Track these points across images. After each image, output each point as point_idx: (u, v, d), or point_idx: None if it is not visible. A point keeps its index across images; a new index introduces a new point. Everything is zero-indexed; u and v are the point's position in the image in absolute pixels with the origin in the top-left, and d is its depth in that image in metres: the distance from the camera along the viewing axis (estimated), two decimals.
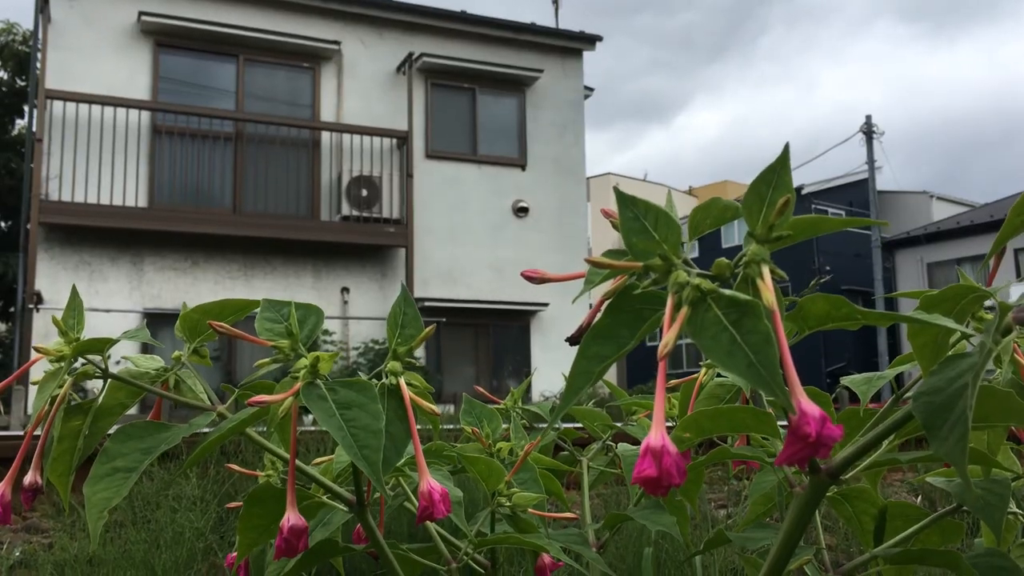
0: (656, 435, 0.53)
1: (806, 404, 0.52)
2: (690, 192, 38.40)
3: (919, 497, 3.49)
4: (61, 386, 0.79)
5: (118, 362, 0.83)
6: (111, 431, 0.90)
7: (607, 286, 0.66)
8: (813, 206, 24.79)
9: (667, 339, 0.55)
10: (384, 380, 0.77)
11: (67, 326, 0.80)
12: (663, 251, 0.58)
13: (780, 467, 1.05)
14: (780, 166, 0.57)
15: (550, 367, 12.15)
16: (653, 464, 0.52)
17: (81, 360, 0.83)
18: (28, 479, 0.78)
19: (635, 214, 0.60)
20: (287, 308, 0.79)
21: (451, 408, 7.92)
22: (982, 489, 0.96)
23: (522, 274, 0.71)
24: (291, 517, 0.74)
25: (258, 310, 0.79)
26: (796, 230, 0.57)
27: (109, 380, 0.83)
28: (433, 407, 0.77)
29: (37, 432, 0.86)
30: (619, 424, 1.46)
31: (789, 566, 0.97)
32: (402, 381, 0.77)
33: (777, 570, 0.81)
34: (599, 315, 0.62)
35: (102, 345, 0.79)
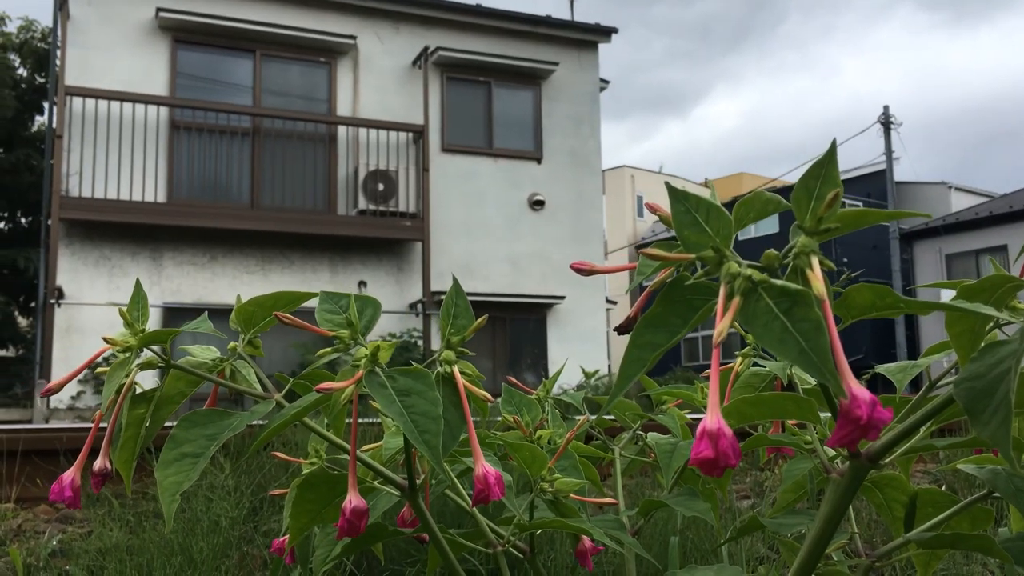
0: (712, 418, 0.56)
1: (857, 388, 0.54)
2: (705, 184, 38.26)
3: (942, 487, 3.50)
4: (128, 375, 0.82)
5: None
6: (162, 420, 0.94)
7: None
8: None
9: (721, 327, 0.58)
10: (439, 368, 0.80)
11: (132, 318, 0.83)
12: (715, 243, 0.61)
13: (815, 454, 1.07)
14: (828, 161, 0.60)
15: (567, 360, 12.16)
16: (710, 446, 0.55)
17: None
18: (98, 464, 0.82)
19: (686, 208, 0.63)
20: (345, 300, 0.82)
21: None
22: (1013, 475, 0.98)
23: (572, 266, 0.74)
24: (353, 499, 0.77)
25: (315, 301, 0.83)
26: (843, 223, 0.60)
27: (170, 370, 0.86)
28: (486, 394, 0.80)
29: (96, 424, 0.89)
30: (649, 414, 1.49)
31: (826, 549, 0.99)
32: (456, 369, 0.80)
33: (816, 553, 0.83)
34: (652, 305, 0.65)
35: (166, 336, 0.82)
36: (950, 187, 29.64)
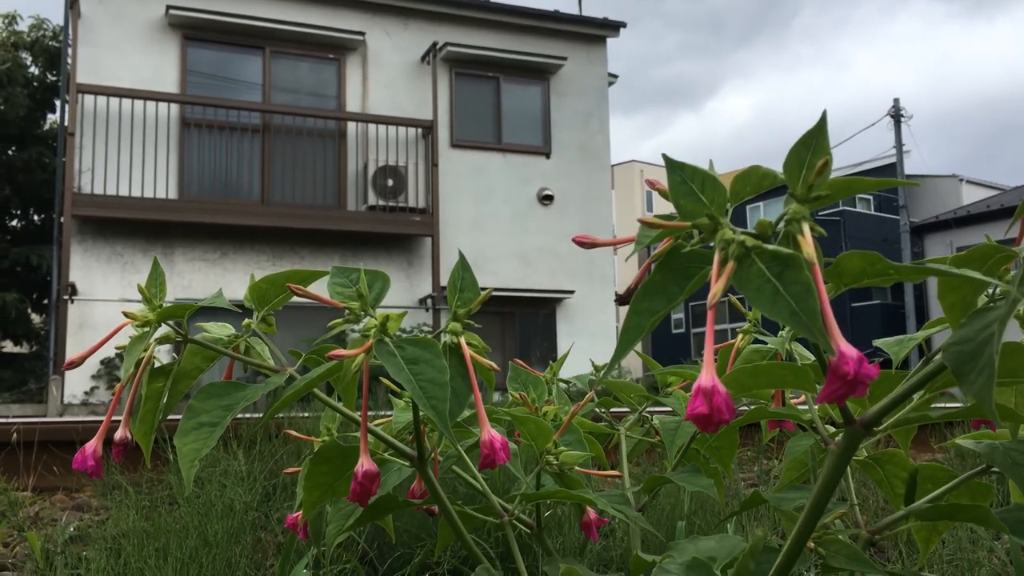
0: (707, 376, 0.58)
1: (844, 346, 0.57)
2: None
3: None
4: (146, 350, 0.85)
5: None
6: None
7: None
8: None
9: (715, 291, 0.61)
10: (445, 339, 0.83)
11: (150, 294, 0.86)
12: (710, 211, 0.63)
13: (814, 431, 1.09)
14: (818, 131, 0.62)
15: (576, 353, 12.16)
16: (704, 402, 0.58)
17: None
18: (119, 435, 0.85)
19: (683, 178, 0.65)
20: (356, 273, 0.85)
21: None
22: (1010, 448, 1.00)
23: (574, 239, 0.77)
24: (364, 463, 0.80)
25: (327, 278, 0.86)
26: (833, 190, 0.62)
27: (188, 345, 0.89)
28: (491, 364, 0.83)
29: (116, 397, 0.92)
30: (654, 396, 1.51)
31: (825, 518, 1.02)
32: (462, 340, 0.83)
33: (814, 517, 0.85)
34: (650, 273, 0.67)
35: (183, 311, 0.85)
36: (961, 180, 29.50)
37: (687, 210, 0.64)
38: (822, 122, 0.62)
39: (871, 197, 26.86)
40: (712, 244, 0.65)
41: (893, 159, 24.47)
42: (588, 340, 13.18)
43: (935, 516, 1.04)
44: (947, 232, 24.32)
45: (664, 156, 0.66)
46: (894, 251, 24.11)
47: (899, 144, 23.48)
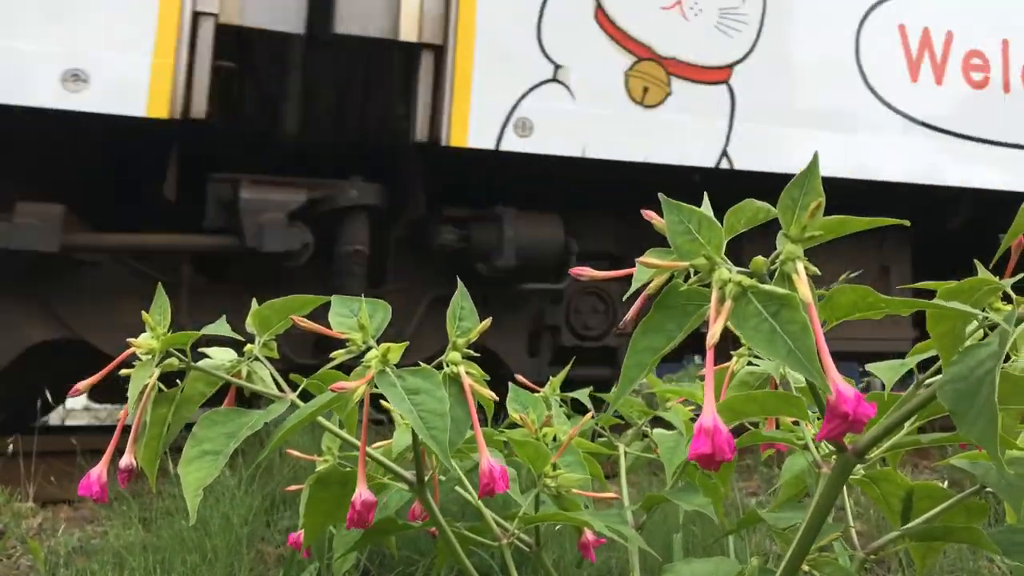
0: (708, 416, 0.60)
1: (842, 386, 0.58)
2: None
3: (946, 483, 3.52)
4: (150, 377, 0.86)
5: None
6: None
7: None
8: None
9: (714, 331, 0.62)
10: (445, 369, 0.85)
11: (154, 322, 0.87)
12: (707, 252, 0.65)
13: (808, 450, 1.10)
14: (811, 173, 0.64)
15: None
16: (707, 442, 0.59)
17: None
18: (124, 461, 0.86)
19: (680, 218, 0.67)
20: (357, 304, 0.86)
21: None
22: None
23: (571, 272, 0.78)
24: (362, 492, 0.82)
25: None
26: (826, 230, 0.64)
27: (191, 371, 0.90)
28: (491, 393, 0.85)
29: (121, 423, 0.94)
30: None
31: (819, 542, 1.03)
32: (462, 370, 0.84)
33: (806, 543, 0.87)
34: (649, 311, 0.69)
35: (186, 339, 0.87)
36: None
37: (684, 249, 0.66)
38: (814, 164, 0.63)
39: None
40: (709, 283, 0.66)
41: None
42: None
43: (928, 538, 1.05)
44: None
45: (660, 196, 0.68)
46: None
47: None
